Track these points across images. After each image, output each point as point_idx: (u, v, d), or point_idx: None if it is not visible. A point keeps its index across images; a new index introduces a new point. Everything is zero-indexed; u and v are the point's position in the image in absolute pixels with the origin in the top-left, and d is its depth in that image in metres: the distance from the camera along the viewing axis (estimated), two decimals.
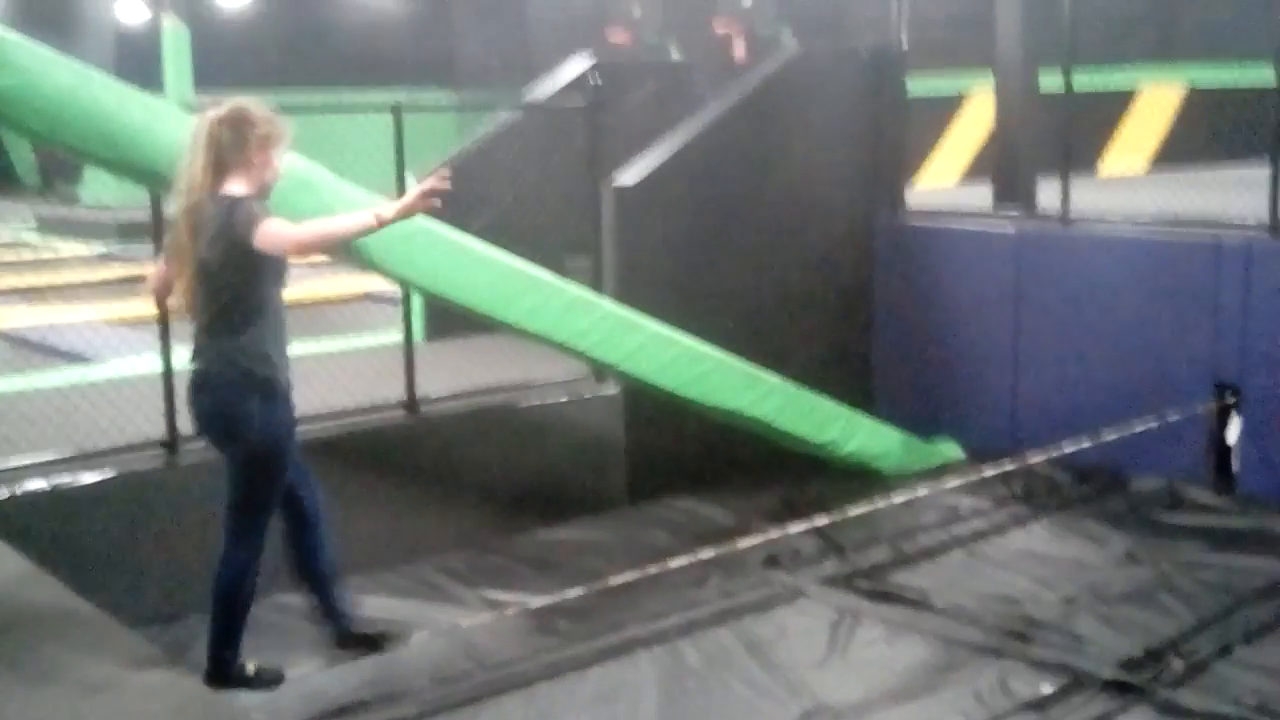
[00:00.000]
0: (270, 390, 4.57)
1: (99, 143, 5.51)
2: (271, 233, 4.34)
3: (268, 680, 4.88)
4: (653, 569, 5.76)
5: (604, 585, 5.75)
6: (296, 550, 4.98)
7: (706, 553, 5.99)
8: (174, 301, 4.70)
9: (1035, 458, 7.35)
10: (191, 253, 4.45)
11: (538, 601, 6.05)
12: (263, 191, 4.56)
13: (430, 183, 4.44)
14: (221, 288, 4.45)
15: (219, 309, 4.48)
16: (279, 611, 6.14)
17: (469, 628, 5.86)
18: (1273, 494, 7.26)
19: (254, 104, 4.56)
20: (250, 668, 4.84)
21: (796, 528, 6.31)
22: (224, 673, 4.75)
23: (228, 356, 4.50)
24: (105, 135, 5.48)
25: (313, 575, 5.00)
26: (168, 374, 6.33)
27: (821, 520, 6.25)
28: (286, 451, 4.70)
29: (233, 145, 4.45)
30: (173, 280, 4.59)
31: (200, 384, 4.58)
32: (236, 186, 4.46)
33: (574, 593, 5.81)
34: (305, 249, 4.58)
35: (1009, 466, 7.21)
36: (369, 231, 4.49)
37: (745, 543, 6.21)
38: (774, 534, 6.30)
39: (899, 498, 7.16)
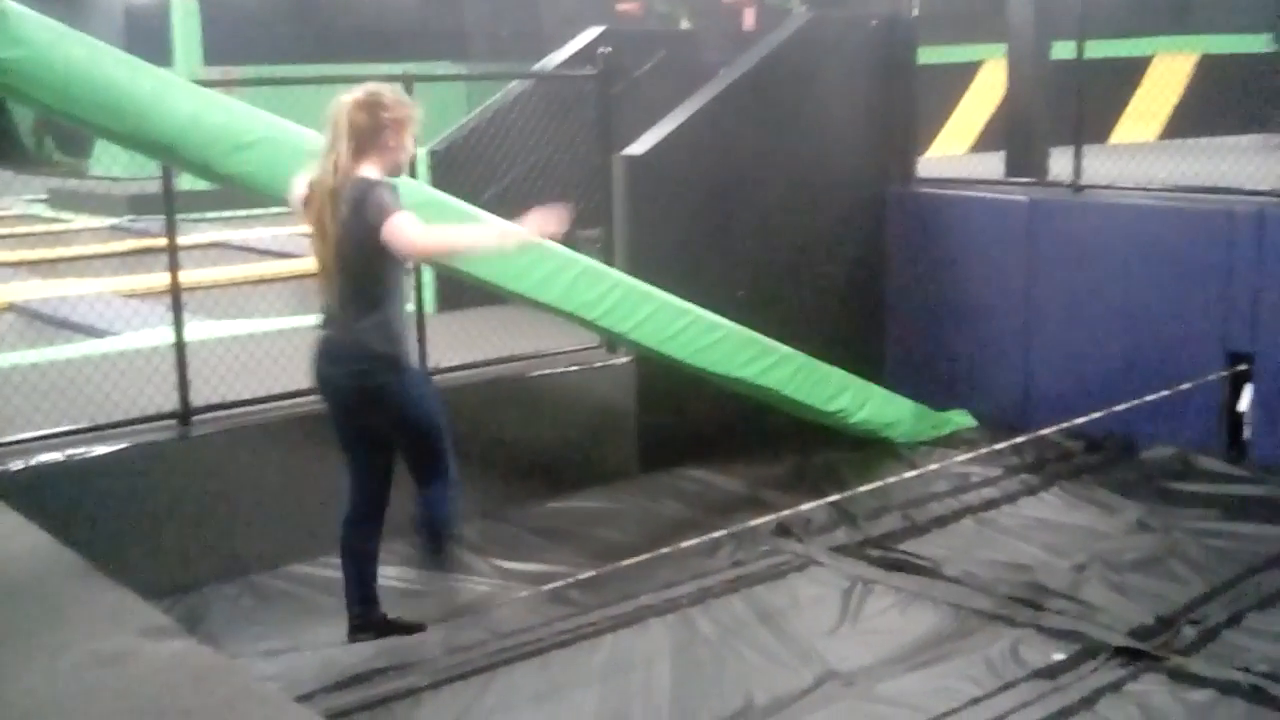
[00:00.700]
0: (399, 365, 4.88)
1: (109, 116, 5.51)
2: (397, 231, 4.60)
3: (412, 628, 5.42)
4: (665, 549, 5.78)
5: (617, 565, 5.80)
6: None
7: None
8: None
9: (1046, 429, 7.37)
10: (329, 231, 4.69)
11: (551, 575, 6.10)
12: (394, 171, 4.82)
13: (556, 215, 4.78)
14: (355, 267, 4.72)
15: (353, 288, 4.76)
16: (293, 581, 6.19)
17: (481, 595, 5.91)
18: None
19: (386, 88, 4.82)
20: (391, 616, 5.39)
21: (809, 503, 6.33)
22: (375, 622, 5.31)
23: (360, 333, 4.80)
24: (115, 108, 5.48)
25: (429, 527, 5.26)
26: (180, 346, 6.36)
27: (835, 495, 6.28)
28: (430, 403, 5.02)
29: (368, 128, 4.68)
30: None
31: (333, 355, 4.91)
32: (370, 169, 4.71)
33: (586, 574, 5.88)
34: (426, 255, 4.94)
35: (1019, 439, 7.22)
36: (490, 251, 4.78)
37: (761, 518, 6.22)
38: (793, 508, 6.31)
39: (911, 471, 7.20)
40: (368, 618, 5.32)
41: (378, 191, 4.66)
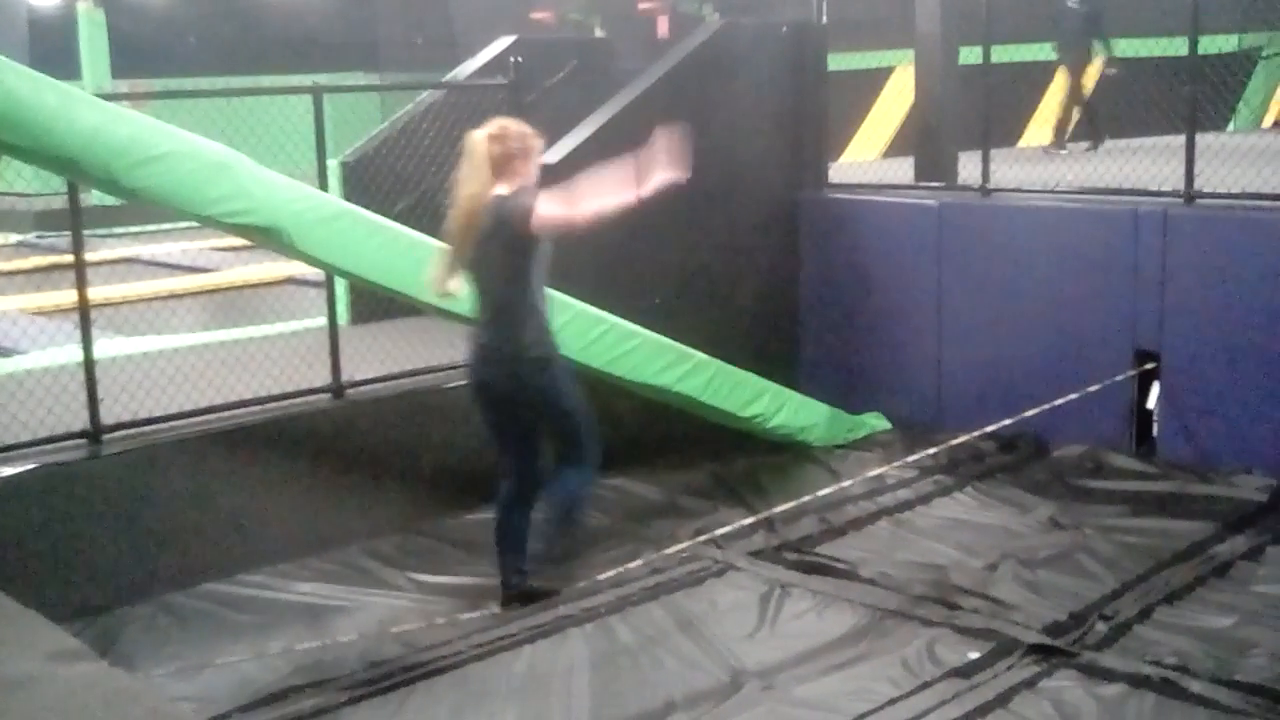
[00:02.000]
0: (551, 360, 5.52)
1: (11, 130, 5.39)
2: (545, 214, 5.23)
3: (551, 591, 5.88)
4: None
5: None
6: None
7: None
8: (454, 287, 5.52)
9: (960, 437, 7.46)
10: (473, 248, 5.32)
11: (470, 587, 6.08)
12: (520, 188, 5.39)
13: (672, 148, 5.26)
14: (503, 275, 5.35)
15: (503, 296, 5.39)
16: (208, 600, 6.13)
17: (399, 610, 5.87)
18: (1191, 458, 7.39)
19: (512, 122, 5.52)
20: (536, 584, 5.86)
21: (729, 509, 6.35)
22: (552, 574, 5.87)
23: (514, 339, 5.43)
24: (17, 123, 5.38)
25: (559, 506, 5.80)
26: (89, 363, 6.27)
27: (754, 501, 6.30)
28: (573, 392, 5.63)
29: (500, 157, 5.35)
30: (448, 274, 5.47)
31: (491, 359, 5.52)
32: (502, 189, 5.35)
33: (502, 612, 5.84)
34: (575, 228, 5.32)
35: (932, 450, 7.31)
36: (627, 208, 5.30)
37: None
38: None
39: (828, 474, 7.25)
40: (521, 588, 5.81)
41: (515, 198, 5.31)
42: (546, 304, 5.52)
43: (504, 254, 5.32)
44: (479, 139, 5.39)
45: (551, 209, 5.23)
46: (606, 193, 5.29)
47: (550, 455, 5.77)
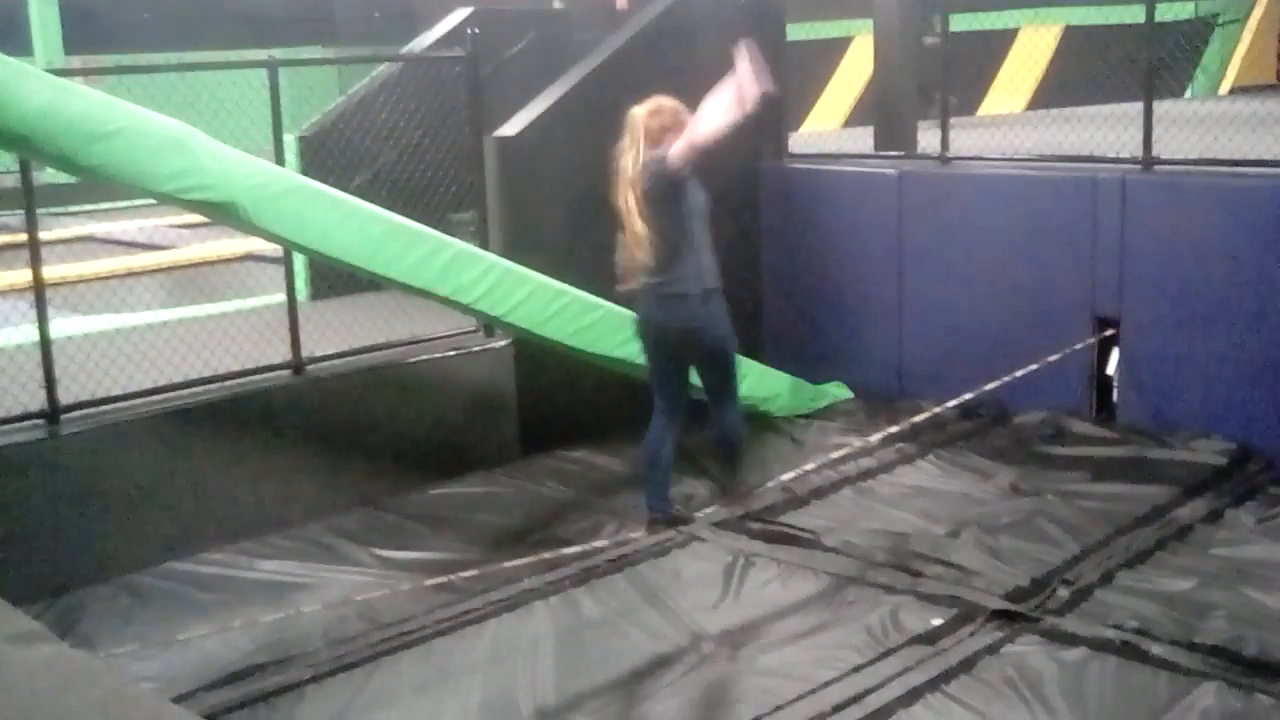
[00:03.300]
0: (714, 300, 6.06)
1: None
2: (672, 155, 5.75)
3: (687, 519, 6.46)
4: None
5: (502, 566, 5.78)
6: (715, 421, 6.36)
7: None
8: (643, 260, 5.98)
9: (924, 411, 7.48)
10: (637, 208, 5.90)
11: (433, 562, 6.07)
12: None
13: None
14: (660, 228, 5.90)
15: (665, 248, 5.91)
16: (170, 579, 6.10)
17: (362, 586, 5.86)
18: (1151, 423, 7.44)
19: (667, 99, 6.04)
20: (678, 509, 6.50)
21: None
22: (668, 516, 6.40)
23: (679, 279, 5.95)
24: None
25: (723, 439, 6.42)
26: (45, 343, 6.21)
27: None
28: (731, 332, 6.18)
29: (657, 130, 5.93)
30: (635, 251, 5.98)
31: (660, 304, 6.01)
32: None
33: (469, 573, 5.89)
34: (699, 147, 5.69)
35: (900, 426, 7.30)
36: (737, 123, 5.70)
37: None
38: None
39: (790, 444, 7.26)
40: (666, 513, 6.39)
41: (652, 157, 5.87)
42: (707, 250, 6.05)
43: (661, 206, 5.90)
44: (639, 113, 5.99)
45: (678, 146, 5.74)
46: (714, 116, 5.68)
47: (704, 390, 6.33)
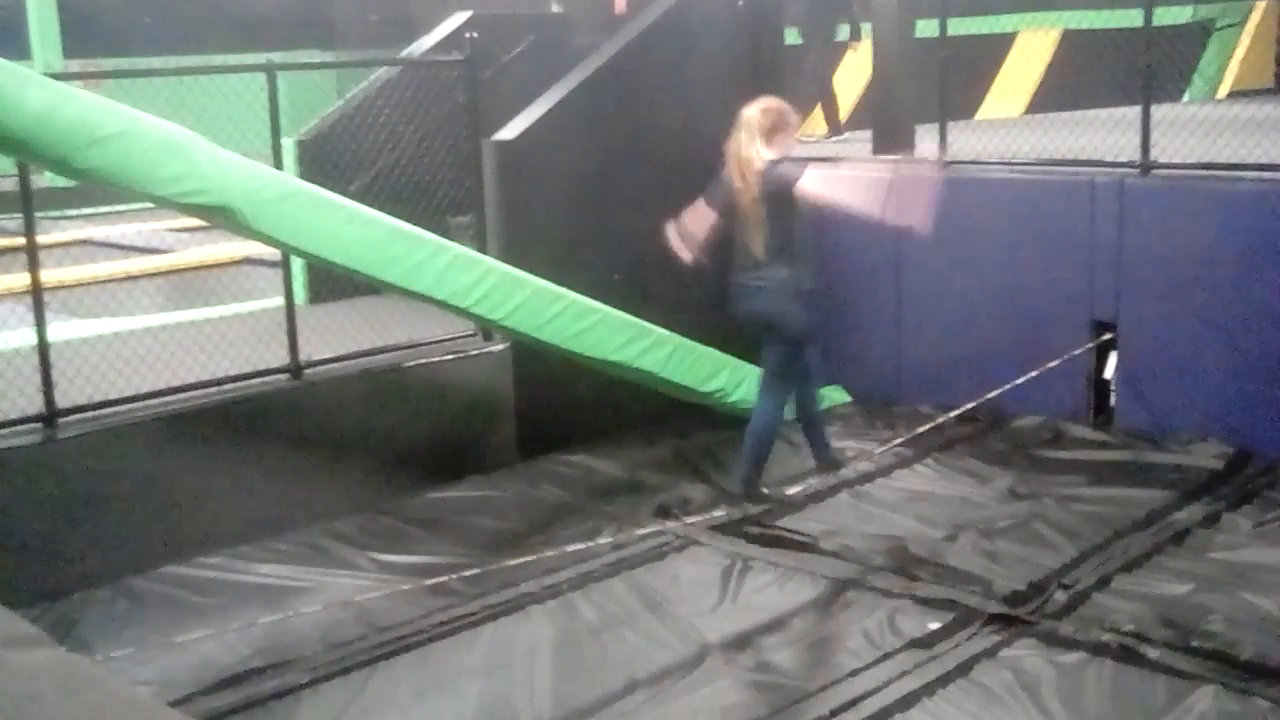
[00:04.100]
0: (808, 298, 6.58)
1: None
2: (806, 188, 6.28)
3: (770, 499, 6.82)
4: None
5: (503, 564, 5.79)
6: (799, 402, 7.01)
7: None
8: (702, 233, 6.66)
9: (925, 415, 7.51)
10: (751, 202, 6.41)
11: (431, 566, 6.07)
12: (784, 155, 6.47)
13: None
14: (771, 225, 6.41)
15: (772, 241, 6.42)
16: (167, 583, 6.10)
17: (360, 590, 5.85)
18: (1148, 427, 7.44)
19: (776, 100, 6.59)
20: (765, 490, 6.88)
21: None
22: (753, 492, 6.81)
23: (779, 277, 6.47)
24: None
25: (808, 424, 7.11)
26: (43, 346, 6.20)
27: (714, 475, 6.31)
28: (814, 326, 6.80)
29: (768, 128, 6.43)
30: (709, 224, 6.64)
31: (762, 293, 6.51)
32: (769, 153, 6.40)
33: (470, 571, 5.90)
34: (822, 207, 6.36)
35: (901, 438, 7.30)
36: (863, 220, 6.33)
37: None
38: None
39: (788, 447, 7.27)
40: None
41: (783, 166, 6.38)
42: (806, 248, 6.62)
43: (774, 208, 6.39)
44: (752, 113, 6.46)
45: (812, 184, 6.30)
46: (857, 202, 6.30)
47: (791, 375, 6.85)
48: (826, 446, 7.15)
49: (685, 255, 6.70)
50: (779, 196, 6.37)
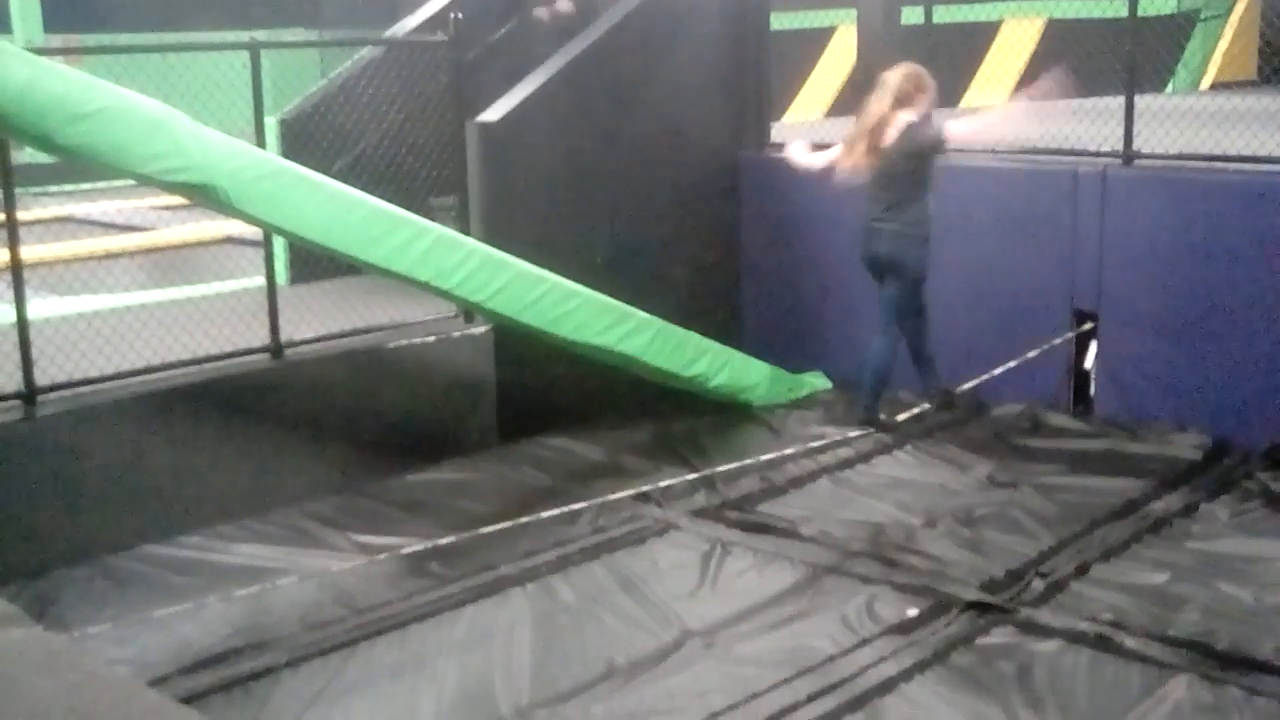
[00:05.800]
0: (927, 242, 7.14)
1: None
2: (953, 135, 6.94)
3: (890, 427, 7.50)
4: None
5: (476, 532, 5.79)
6: (911, 338, 7.41)
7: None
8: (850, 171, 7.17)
9: (902, 398, 7.52)
10: (881, 156, 7.01)
11: (410, 546, 6.06)
12: (923, 116, 7.08)
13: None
14: (904, 177, 7.02)
15: (900, 193, 7.05)
16: (146, 562, 6.08)
17: (339, 571, 5.84)
18: (1128, 416, 7.47)
19: (915, 66, 7.19)
20: (884, 417, 7.54)
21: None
22: (872, 419, 7.48)
23: (906, 221, 7.05)
24: None
25: (918, 357, 7.47)
26: (22, 324, 6.17)
27: (696, 460, 6.31)
28: (928, 270, 7.25)
29: (905, 91, 7.03)
30: (854, 167, 7.14)
31: (885, 236, 7.13)
32: (907, 114, 7.02)
33: (446, 539, 5.87)
34: (970, 144, 7.48)
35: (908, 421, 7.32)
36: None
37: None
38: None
39: (769, 433, 7.27)
40: (874, 418, 7.49)
41: (924, 126, 7.02)
42: (930, 200, 7.11)
43: (912, 164, 7.00)
44: (893, 75, 7.08)
45: (960, 130, 6.95)
46: (985, 132, 7.16)
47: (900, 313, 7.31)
48: (937, 379, 7.55)
49: (812, 164, 7.44)
50: (915, 152, 6.97)
